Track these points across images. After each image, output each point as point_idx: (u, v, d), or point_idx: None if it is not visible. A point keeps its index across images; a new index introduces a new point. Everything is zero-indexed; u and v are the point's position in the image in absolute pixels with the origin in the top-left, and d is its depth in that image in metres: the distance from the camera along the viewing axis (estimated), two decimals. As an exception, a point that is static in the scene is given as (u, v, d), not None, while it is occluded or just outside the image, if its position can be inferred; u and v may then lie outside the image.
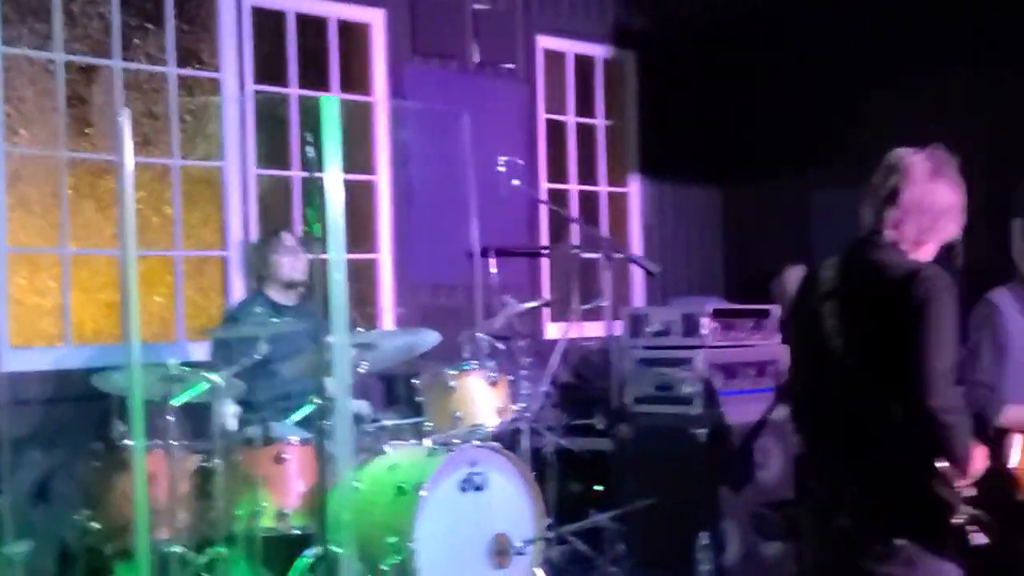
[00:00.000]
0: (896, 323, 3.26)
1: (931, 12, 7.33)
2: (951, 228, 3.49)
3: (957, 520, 3.31)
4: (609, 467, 6.26)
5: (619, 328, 6.46)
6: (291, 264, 5.81)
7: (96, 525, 4.89)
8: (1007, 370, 4.49)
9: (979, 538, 3.33)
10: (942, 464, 3.30)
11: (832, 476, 3.45)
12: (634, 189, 8.65)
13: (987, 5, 7.28)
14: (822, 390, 3.49)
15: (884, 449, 3.34)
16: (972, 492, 3.42)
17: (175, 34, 6.45)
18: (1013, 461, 4.44)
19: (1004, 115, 7.48)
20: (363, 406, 5.28)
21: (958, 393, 3.27)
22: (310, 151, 4.50)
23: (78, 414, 5.67)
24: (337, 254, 4.59)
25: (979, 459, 3.40)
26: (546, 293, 7.68)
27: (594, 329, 7.35)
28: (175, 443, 4.87)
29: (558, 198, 8.07)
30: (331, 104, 4.13)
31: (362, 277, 7.15)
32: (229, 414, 5.17)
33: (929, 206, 3.43)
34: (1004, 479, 4.43)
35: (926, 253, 3.53)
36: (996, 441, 4.46)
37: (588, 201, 8.43)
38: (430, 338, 5.28)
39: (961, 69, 7.41)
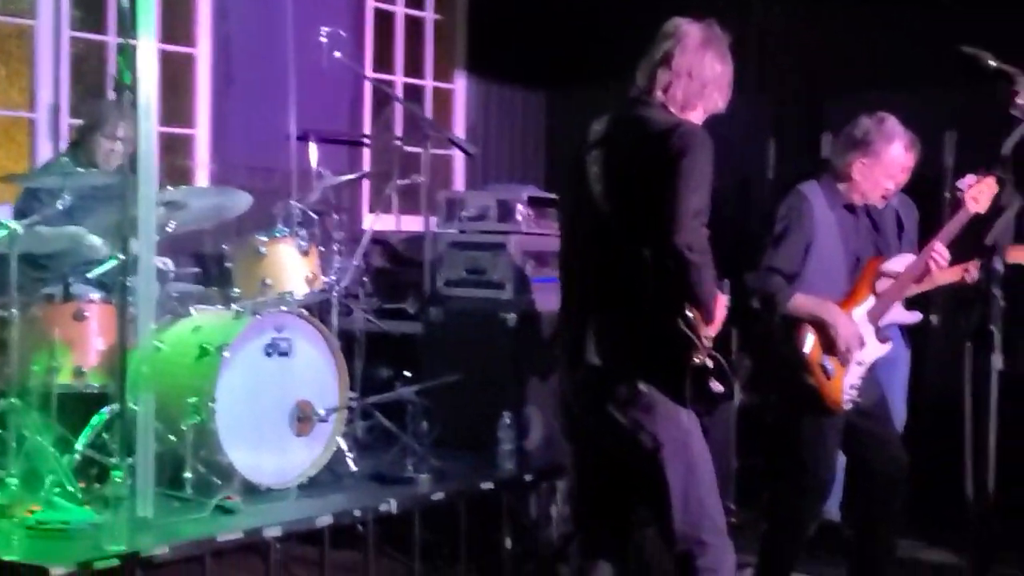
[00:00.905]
0: (653, 171, 3.39)
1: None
2: (717, 98, 3.64)
3: (697, 362, 3.42)
4: (418, 350, 6.30)
5: (435, 222, 6.49)
6: (108, 152, 5.50)
7: None
8: (811, 260, 4.67)
9: (716, 386, 3.46)
10: (689, 310, 3.41)
11: (581, 319, 3.53)
12: (460, 86, 8.64)
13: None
14: (579, 235, 3.58)
15: (631, 292, 3.44)
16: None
17: None
18: (806, 348, 4.62)
19: (818, 37, 7.71)
20: (166, 262, 5.18)
21: (704, 236, 3.38)
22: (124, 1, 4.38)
23: None
24: (146, 110, 4.50)
25: (720, 308, 3.51)
26: (365, 180, 7.62)
27: (411, 223, 7.38)
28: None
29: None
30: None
31: (177, 152, 7.01)
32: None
33: (698, 73, 3.57)
34: (796, 364, 4.62)
35: (693, 118, 3.66)
36: (787, 327, 4.64)
37: (413, 95, 8.36)
38: (242, 199, 5.20)
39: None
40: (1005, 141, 2.51)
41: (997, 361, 2.47)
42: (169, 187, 5.03)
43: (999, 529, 2.74)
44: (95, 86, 6.60)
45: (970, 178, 4.67)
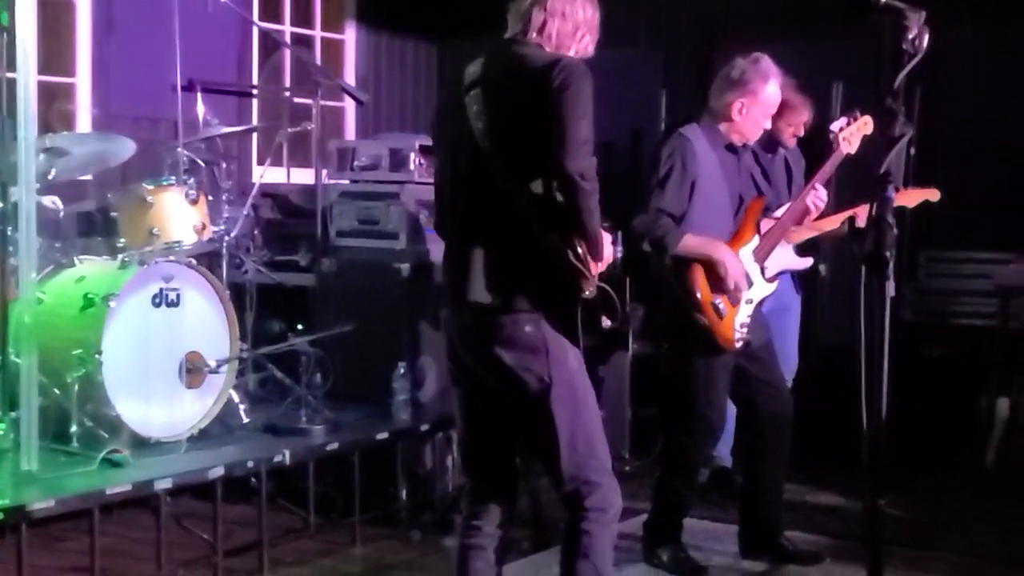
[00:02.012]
0: (537, 104, 3.36)
1: None
2: (588, 42, 3.62)
3: (587, 294, 3.41)
4: (311, 301, 6.22)
5: (327, 173, 6.39)
6: None
7: None
8: (696, 201, 4.70)
9: (606, 321, 3.46)
10: (578, 244, 3.39)
11: (466, 258, 3.48)
12: (350, 36, 8.52)
13: None
14: (461, 175, 3.54)
15: (518, 228, 3.40)
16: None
17: None
18: (697, 287, 4.65)
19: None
20: (54, 200, 5.02)
21: (594, 165, 3.37)
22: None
23: None
24: (25, 53, 4.36)
25: (607, 247, 3.51)
26: (255, 133, 7.48)
27: (302, 176, 7.28)
28: None
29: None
30: None
31: (57, 101, 6.81)
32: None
33: (571, 13, 3.57)
34: (688, 304, 4.65)
35: None
36: (678, 268, 4.67)
37: (302, 46, 8.23)
38: (124, 146, 5.07)
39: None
40: (897, 74, 2.53)
41: (890, 288, 2.50)
42: (50, 134, 4.88)
43: (885, 467, 2.77)
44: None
45: (841, 120, 4.79)
